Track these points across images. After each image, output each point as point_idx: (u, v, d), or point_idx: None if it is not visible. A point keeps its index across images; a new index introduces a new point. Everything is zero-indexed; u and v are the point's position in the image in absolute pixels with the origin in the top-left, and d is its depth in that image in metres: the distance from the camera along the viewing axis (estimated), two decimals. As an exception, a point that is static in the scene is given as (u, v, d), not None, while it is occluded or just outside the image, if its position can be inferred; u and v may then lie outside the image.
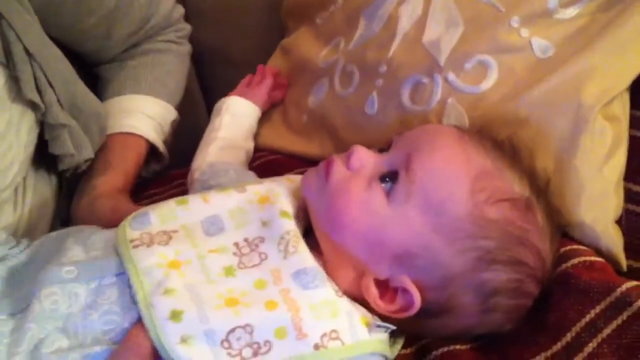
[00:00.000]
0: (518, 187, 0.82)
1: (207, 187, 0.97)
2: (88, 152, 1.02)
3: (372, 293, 0.80)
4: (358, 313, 0.78)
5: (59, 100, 0.96)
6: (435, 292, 0.80)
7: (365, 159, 0.84)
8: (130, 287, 0.78)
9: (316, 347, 0.74)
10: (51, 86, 0.94)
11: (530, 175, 0.85)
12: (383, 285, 0.81)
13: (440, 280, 0.79)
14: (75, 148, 0.99)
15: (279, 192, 0.87)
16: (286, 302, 0.75)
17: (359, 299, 0.81)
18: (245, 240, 0.82)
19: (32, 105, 0.94)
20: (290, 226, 0.82)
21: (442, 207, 0.79)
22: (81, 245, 0.85)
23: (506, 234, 0.79)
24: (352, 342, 0.76)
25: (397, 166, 0.82)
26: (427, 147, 0.83)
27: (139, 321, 0.75)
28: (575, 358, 0.78)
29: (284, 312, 0.75)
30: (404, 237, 0.79)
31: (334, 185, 0.83)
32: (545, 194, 0.86)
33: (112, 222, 0.88)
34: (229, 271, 0.79)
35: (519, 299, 0.82)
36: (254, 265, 0.80)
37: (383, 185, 0.81)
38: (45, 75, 0.93)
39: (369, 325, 0.78)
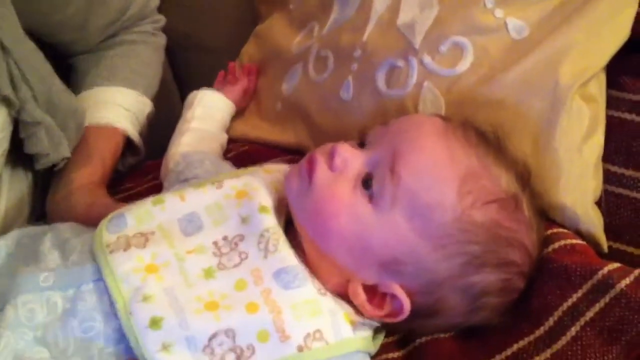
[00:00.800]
0: (505, 183, 0.80)
1: (182, 179, 0.95)
2: (65, 151, 0.99)
3: (360, 298, 0.79)
4: (342, 311, 0.77)
5: (34, 97, 0.93)
6: (423, 296, 0.79)
7: (349, 158, 0.82)
8: (108, 292, 0.76)
9: (300, 348, 0.73)
10: (27, 82, 0.92)
11: (516, 167, 0.84)
12: (371, 290, 0.80)
13: (428, 285, 0.78)
14: (51, 146, 0.96)
15: (257, 185, 0.84)
16: (267, 304, 0.74)
17: (345, 298, 0.80)
18: (225, 238, 0.80)
19: (6, 102, 0.92)
20: (270, 222, 0.80)
21: (429, 213, 0.77)
22: (58, 250, 0.83)
23: (494, 237, 0.78)
24: (336, 341, 0.75)
25: (380, 166, 0.79)
26: (410, 146, 0.80)
27: None
28: (559, 342, 0.78)
29: (266, 314, 0.73)
30: (390, 244, 0.78)
31: (318, 189, 0.80)
32: (529, 183, 0.85)
33: (88, 217, 0.87)
34: (208, 273, 0.78)
35: (506, 296, 0.81)
36: (234, 266, 0.78)
37: (367, 191, 0.79)
38: (21, 71, 0.91)
39: (353, 323, 0.77)
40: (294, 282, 0.76)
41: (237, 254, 0.79)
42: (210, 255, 0.79)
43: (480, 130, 0.84)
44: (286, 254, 0.78)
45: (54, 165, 1.01)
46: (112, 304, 0.75)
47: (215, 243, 0.80)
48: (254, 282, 0.76)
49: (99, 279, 0.78)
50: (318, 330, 0.74)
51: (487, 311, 0.81)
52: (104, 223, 0.82)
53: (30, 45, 0.96)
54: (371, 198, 0.78)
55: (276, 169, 0.91)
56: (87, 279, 0.78)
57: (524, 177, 0.84)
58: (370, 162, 0.81)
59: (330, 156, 0.81)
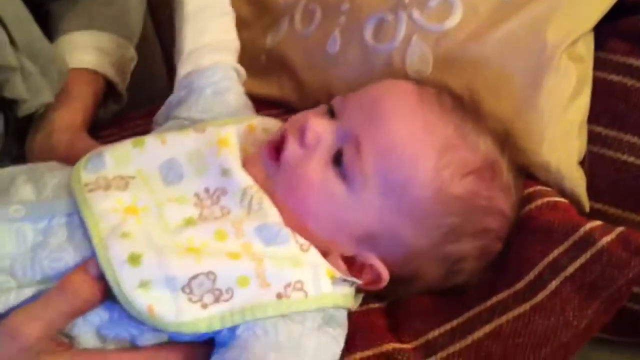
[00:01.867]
0: (483, 150, 0.80)
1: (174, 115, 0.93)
2: (46, 96, 0.97)
3: (341, 268, 0.78)
4: (324, 265, 0.76)
5: (12, 41, 0.91)
6: (401, 266, 0.79)
7: (320, 132, 0.80)
8: (82, 227, 0.74)
9: (279, 296, 0.72)
10: (4, 27, 0.90)
11: (494, 130, 0.83)
12: (350, 260, 0.79)
13: (405, 257, 0.79)
14: (29, 92, 0.94)
15: (236, 140, 0.83)
16: (248, 255, 0.73)
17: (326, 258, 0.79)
18: (206, 190, 0.79)
19: None
20: (251, 181, 0.79)
21: (404, 189, 0.76)
22: (32, 185, 0.81)
23: (472, 208, 0.78)
24: (315, 294, 0.74)
25: (347, 143, 0.78)
26: (376, 121, 0.79)
27: (81, 267, 0.72)
28: (538, 296, 0.78)
29: (247, 261, 0.73)
30: (365, 220, 0.77)
31: (288, 170, 0.79)
32: (508, 144, 0.85)
33: (69, 157, 0.85)
34: (189, 221, 0.76)
35: (484, 260, 0.82)
36: (215, 218, 0.77)
37: (338, 168, 0.78)
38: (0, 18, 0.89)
39: (333, 278, 0.76)
40: (275, 239, 0.75)
41: (219, 208, 0.78)
42: (191, 205, 0.78)
43: (456, 96, 0.84)
44: (270, 212, 0.77)
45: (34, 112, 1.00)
46: (85, 239, 0.74)
47: (196, 194, 0.79)
48: (234, 234, 0.75)
49: (72, 213, 0.76)
50: (299, 281, 0.73)
51: (465, 274, 0.82)
52: (81, 162, 0.81)
53: None
54: (344, 177, 0.78)
55: (261, 126, 0.90)
56: (60, 213, 0.76)
57: (502, 140, 0.83)
58: (338, 137, 0.80)
59: (301, 132, 0.80)
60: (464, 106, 0.83)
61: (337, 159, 0.78)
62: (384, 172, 0.76)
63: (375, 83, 0.87)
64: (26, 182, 0.81)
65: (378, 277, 0.79)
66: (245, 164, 0.81)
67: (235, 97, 0.96)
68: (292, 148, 0.80)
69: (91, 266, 0.71)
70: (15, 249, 0.74)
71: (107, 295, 0.71)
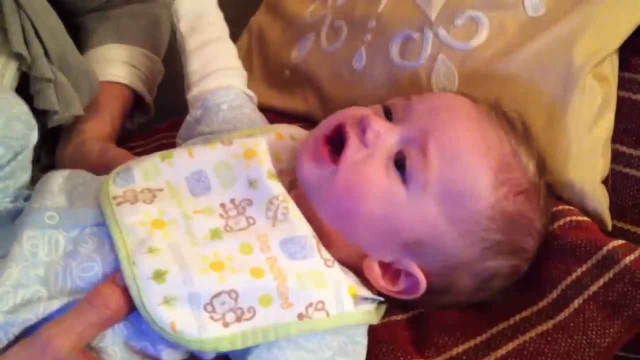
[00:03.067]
0: (530, 172, 0.81)
1: (197, 132, 0.94)
2: (77, 109, 0.98)
3: (375, 273, 0.79)
4: (346, 283, 0.76)
5: (47, 54, 0.93)
6: (438, 277, 0.79)
7: (382, 133, 0.79)
8: (110, 239, 0.75)
9: (300, 316, 0.73)
10: (39, 38, 0.92)
11: (539, 155, 0.84)
12: (385, 266, 0.80)
13: (445, 268, 0.79)
14: (61, 104, 0.96)
15: (265, 148, 0.82)
16: (273, 271, 0.74)
17: (353, 269, 0.80)
18: (232, 201, 0.79)
19: (18, 57, 0.91)
20: (279, 190, 0.79)
21: (462, 199, 0.77)
22: (65, 195, 0.82)
23: (517, 227, 0.79)
24: (337, 313, 0.74)
25: (413, 147, 0.78)
26: (444, 129, 0.79)
27: (110, 279, 0.73)
28: (561, 314, 0.79)
29: (270, 280, 0.73)
30: (417, 227, 0.77)
31: (348, 169, 0.78)
32: (546, 169, 0.85)
33: (100, 166, 0.86)
34: (215, 233, 0.77)
35: (511, 280, 0.82)
36: (240, 229, 0.77)
37: (399, 171, 0.78)
38: (34, 27, 0.91)
39: (355, 297, 0.76)
40: (300, 253, 0.75)
41: (245, 219, 0.78)
42: (217, 216, 0.78)
43: (509, 116, 0.84)
44: (295, 224, 0.77)
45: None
46: (113, 251, 0.74)
47: (222, 205, 0.79)
48: (260, 248, 0.75)
49: (101, 223, 0.77)
50: (321, 301, 0.74)
51: (492, 292, 0.82)
52: (111, 175, 0.81)
53: (43, 2, 0.95)
54: (404, 180, 0.77)
55: (288, 134, 0.90)
56: (90, 223, 0.77)
57: (543, 164, 0.84)
58: (402, 140, 0.79)
59: (362, 129, 0.80)
60: (516, 127, 0.83)
61: (399, 162, 0.78)
62: (446, 180, 0.77)
63: (436, 93, 0.89)
64: (60, 189, 0.82)
65: (415, 286, 0.79)
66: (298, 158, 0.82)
67: (251, 111, 0.97)
68: (354, 146, 0.79)
69: (119, 278, 0.72)
70: (47, 257, 0.75)
71: (135, 307, 0.72)
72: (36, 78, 0.93)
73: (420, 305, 0.84)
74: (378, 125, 0.80)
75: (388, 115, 0.83)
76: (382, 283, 0.79)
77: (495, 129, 0.80)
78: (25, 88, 0.94)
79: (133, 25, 1.14)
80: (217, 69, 0.99)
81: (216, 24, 1.02)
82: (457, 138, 0.78)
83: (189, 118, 0.97)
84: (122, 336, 0.73)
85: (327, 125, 0.83)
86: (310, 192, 0.80)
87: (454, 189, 0.77)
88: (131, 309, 0.72)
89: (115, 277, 0.73)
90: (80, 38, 1.16)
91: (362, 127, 0.80)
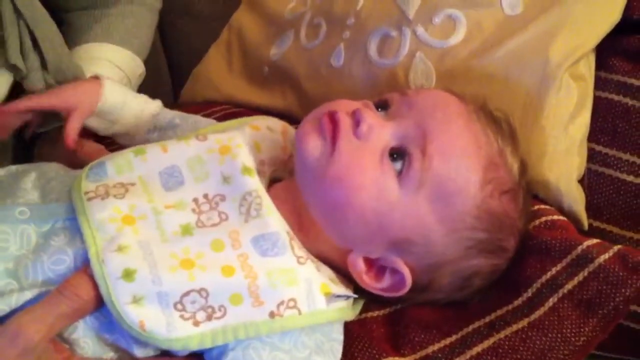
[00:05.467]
0: (514, 173, 0.81)
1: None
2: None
3: (359, 269, 0.79)
4: (319, 280, 0.76)
5: (43, 65, 0.93)
6: (421, 275, 0.80)
7: (375, 126, 0.79)
8: (81, 233, 0.75)
9: (271, 314, 0.73)
10: (38, 50, 0.92)
11: (521, 155, 0.84)
12: (370, 262, 0.80)
13: (430, 266, 0.79)
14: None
15: (241, 142, 0.82)
16: (244, 269, 0.73)
17: (335, 265, 0.80)
18: (205, 196, 0.79)
19: (13, 67, 0.91)
20: (253, 185, 0.79)
21: (452, 198, 0.77)
22: (39, 190, 0.82)
23: (501, 226, 0.79)
24: (308, 311, 0.74)
25: (410, 144, 0.78)
26: (442, 128, 0.78)
27: (82, 270, 0.73)
28: (537, 312, 0.79)
29: (241, 279, 0.73)
30: (407, 224, 0.77)
31: (343, 157, 0.77)
32: (527, 170, 0.85)
33: (75, 160, 0.87)
34: (185, 229, 0.76)
35: (491, 279, 0.82)
36: (212, 225, 0.77)
37: (394, 164, 0.77)
38: (34, 37, 0.91)
39: (328, 295, 0.76)
40: (272, 250, 0.75)
41: (217, 214, 0.78)
42: (189, 211, 0.78)
43: (495, 116, 0.84)
44: (268, 220, 0.77)
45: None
46: (83, 244, 0.74)
47: (195, 200, 0.79)
48: (231, 244, 0.75)
49: (73, 217, 0.77)
50: (292, 299, 0.74)
51: (471, 290, 0.82)
52: (84, 170, 0.81)
53: (42, 11, 0.95)
54: (399, 175, 0.77)
55: (265, 125, 0.90)
56: (62, 216, 0.77)
57: (525, 166, 0.84)
58: (397, 135, 0.79)
59: (356, 121, 0.79)
60: (502, 127, 0.83)
61: (394, 156, 0.78)
62: (441, 180, 0.77)
63: (426, 90, 0.90)
64: (34, 185, 0.82)
65: (400, 283, 0.79)
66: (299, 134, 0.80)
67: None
68: (346, 136, 0.78)
69: (90, 270, 0.72)
70: (18, 251, 0.75)
71: None
72: (27, 92, 0.93)
73: (401, 302, 0.84)
74: (371, 118, 0.79)
75: (381, 108, 0.83)
76: (365, 279, 0.79)
77: (484, 129, 0.80)
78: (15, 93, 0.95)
79: (120, 26, 1.14)
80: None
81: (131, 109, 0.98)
82: (454, 138, 0.78)
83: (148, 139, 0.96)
84: (94, 329, 0.73)
85: (320, 110, 0.82)
86: (304, 172, 0.80)
87: (447, 188, 0.77)
88: (103, 301, 0.72)
89: (87, 268, 0.73)
90: (67, 34, 1.15)
91: (356, 120, 0.79)
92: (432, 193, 0.76)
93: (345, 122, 0.78)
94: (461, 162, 0.77)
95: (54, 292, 0.72)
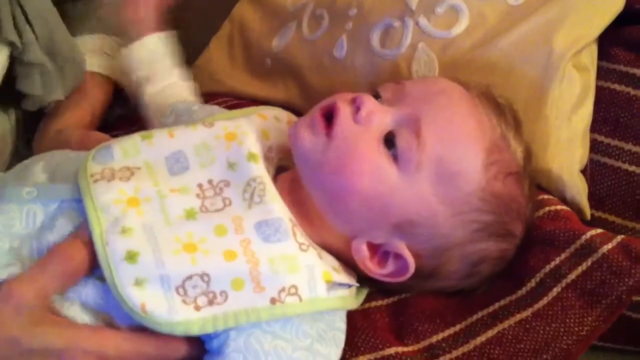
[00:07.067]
0: (519, 157, 0.82)
1: None
2: (58, 94, 0.98)
3: (363, 255, 0.79)
4: (321, 268, 0.76)
5: (37, 39, 0.93)
6: (428, 259, 0.80)
7: (374, 111, 0.79)
8: (86, 214, 0.75)
9: (272, 301, 0.73)
10: (30, 24, 0.91)
11: (526, 143, 0.84)
12: (373, 248, 0.80)
13: (436, 249, 0.79)
14: (43, 88, 0.96)
15: (247, 130, 0.83)
16: (246, 254, 0.74)
17: (339, 253, 0.80)
18: (210, 182, 0.79)
19: (9, 44, 0.91)
20: (258, 172, 0.79)
21: (454, 179, 0.77)
22: (47, 171, 0.83)
23: (507, 209, 0.79)
24: (309, 298, 0.74)
25: (405, 128, 0.78)
26: (439, 113, 0.79)
27: (74, 234, 0.74)
28: (540, 302, 0.80)
29: (243, 264, 0.73)
30: (409, 206, 0.78)
31: (341, 143, 0.78)
32: (532, 158, 0.86)
33: (80, 149, 0.86)
34: (189, 214, 0.77)
35: (499, 266, 0.83)
36: (216, 210, 0.77)
37: (390, 150, 0.78)
38: (25, 13, 0.90)
39: (329, 282, 0.76)
40: (274, 236, 0.75)
41: (221, 200, 0.78)
42: (193, 196, 0.78)
43: (499, 102, 0.84)
44: (272, 206, 0.77)
45: (43, 108, 1.01)
46: (87, 226, 0.75)
47: (199, 185, 0.79)
48: (234, 229, 0.75)
49: (79, 199, 0.77)
50: (294, 286, 0.74)
51: (478, 278, 0.82)
52: (91, 153, 0.82)
53: None
54: (395, 158, 0.78)
55: (272, 115, 0.90)
56: (68, 197, 0.78)
57: (530, 154, 0.85)
58: (394, 120, 0.79)
59: (356, 107, 0.80)
60: (506, 114, 0.83)
61: (389, 141, 0.78)
62: (440, 160, 0.77)
63: (429, 78, 0.91)
64: (43, 169, 0.83)
65: (403, 268, 0.79)
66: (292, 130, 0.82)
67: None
68: (345, 122, 0.79)
69: (82, 234, 0.74)
70: (24, 230, 0.76)
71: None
72: (25, 63, 0.93)
73: (407, 290, 0.85)
74: (371, 103, 0.80)
75: (377, 99, 0.83)
76: (369, 265, 0.80)
77: (487, 113, 0.81)
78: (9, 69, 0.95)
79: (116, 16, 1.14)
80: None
81: (170, 72, 1.03)
82: (451, 120, 0.79)
83: (163, 123, 0.96)
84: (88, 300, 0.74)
85: (321, 104, 0.83)
86: (302, 166, 0.81)
87: (448, 169, 0.77)
88: (95, 264, 0.73)
89: (79, 232, 0.74)
90: (67, 24, 1.15)
91: (356, 105, 0.80)
92: (432, 174, 0.77)
93: (344, 109, 0.79)
94: (461, 144, 0.78)
95: (48, 254, 0.73)
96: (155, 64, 1.02)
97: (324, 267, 0.77)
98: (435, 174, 0.77)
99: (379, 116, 0.79)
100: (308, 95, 1.09)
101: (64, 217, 0.77)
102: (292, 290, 0.73)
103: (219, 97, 1.18)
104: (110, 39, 1.13)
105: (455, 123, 0.79)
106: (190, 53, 1.33)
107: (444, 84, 0.85)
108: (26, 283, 0.71)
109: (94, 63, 1.09)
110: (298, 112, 1.00)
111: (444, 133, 0.78)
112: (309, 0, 1.13)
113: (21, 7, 0.90)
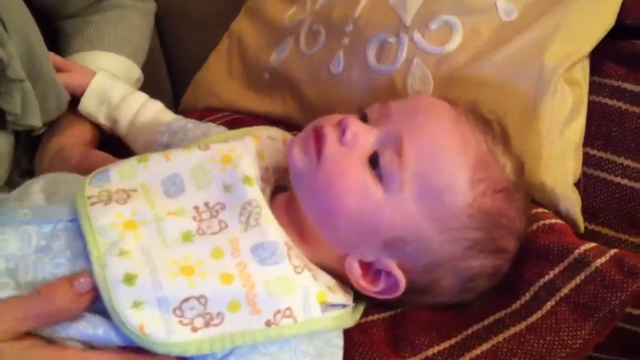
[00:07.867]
0: (509, 173, 0.82)
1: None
2: (35, 120, 0.97)
3: (356, 273, 0.80)
4: (315, 289, 0.77)
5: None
6: (420, 275, 0.81)
7: (359, 133, 0.81)
8: (82, 237, 0.76)
9: (268, 323, 0.74)
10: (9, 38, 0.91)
11: (517, 157, 0.85)
12: (366, 266, 0.81)
13: (426, 266, 0.80)
14: (22, 108, 0.94)
15: (242, 153, 0.84)
16: (242, 277, 0.75)
17: (336, 272, 0.82)
18: (206, 205, 0.80)
19: None
20: (253, 195, 0.80)
21: (440, 195, 0.78)
22: (45, 192, 0.84)
23: (497, 225, 0.80)
24: (304, 320, 0.75)
25: (387, 147, 0.79)
26: (419, 129, 0.80)
27: (68, 279, 0.74)
28: (534, 315, 0.81)
29: (239, 287, 0.74)
30: (397, 224, 0.78)
31: (328, 164, 0.79)
32: (524, 171, 0.87)
33: (81, 169, 0.88)
34: (186, 236, 0.78)
35: (493, 281, 0.83)
36: (213, 233, 0.78)
37: (374, 170, 0.79)
38: (5, 29, 0.90)
39: (324, 304, 0.77)
40: (270, 259, 0.76)
41: (217, 222, 0.79)
42: (189, 219, 0.79)
43: (485, 117, 0.85)
44: (267, 229, 0.78)
45: (32, 132, 1.01)
46: (84, 249, 0.75)
47: (196, 208, 0.80)
48: (231, 252, 0.76)
49: (75, 219, 0.78)
50: (288, 308, 0.75)
51: (473, 293, 0.83)
52: (88, 177, 0.82)
53: (22, 9, 0.95)
54: (380, 178, 0.79)
55: (266, 135, 0.91)
56: (64, 218, 0.79)
57: (521, 166, 0.86)
58: (378, 140, 0.81)
59: (341, 130, 0.81)
60: (494, 129, 0.84)
61: (373, 161, 0.79)
62: (423, 177, 0.78)
63: (414, 95, 0.92)
64: (41, 189, 0.84)
65: (394, 286, 0.80)
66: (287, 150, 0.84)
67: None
68: (331, 144, 0.80)
69: (79, 280, 0.73)
70: (19, 251, 0.77)
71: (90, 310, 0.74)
72: (9, 79, 0.92)
73: (403, 305, 0.85)
74: (356, 125, 0.81)
75: (364, 120, 0.84)
76: (362, 283, 0.81)
77: (471, 129, 0.82)
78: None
79: (112, 32, 1.14)
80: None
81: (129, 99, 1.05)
82: (433, 136, 0.80)
83: (156, 146, 0.98)
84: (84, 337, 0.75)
85: (311, 125, 0.84)
86: (297, 186, 0.82)
87: (433, 184, 0.78)
88: (79, 313, 0.74)
89: (72, 279, 0.74)
90: (59, 43, 1.15)
91: (342, 128, 0.81)
92: (416, 191, 0.78)
93: (331, 133, 0.81)
94: (443, 158, 0.79)
95: (34, 291, 0.74)
96: (111, 102, 1.05)
97: (319, 288, 0.78)
98: (420, 191, 0.78)
99: (364, 137, 0.81)
100: (306, 109, 1.10)
101: (60, 239, 0.77)
102: (287, 313, 0.75)
103: (218, 111, 1.19)
104: (108, 54, 1.14)
105: (437, 138, 0.80)
106: (189, 67, 1.35)
107: (427, 101, 0.86)
108: (1, 312, 0.72)
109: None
110: (297, 126, 1.01)
111: (426, 149, 0.79)
112: (306, 16, 1.14)
113: (2, 20, 0.89)
